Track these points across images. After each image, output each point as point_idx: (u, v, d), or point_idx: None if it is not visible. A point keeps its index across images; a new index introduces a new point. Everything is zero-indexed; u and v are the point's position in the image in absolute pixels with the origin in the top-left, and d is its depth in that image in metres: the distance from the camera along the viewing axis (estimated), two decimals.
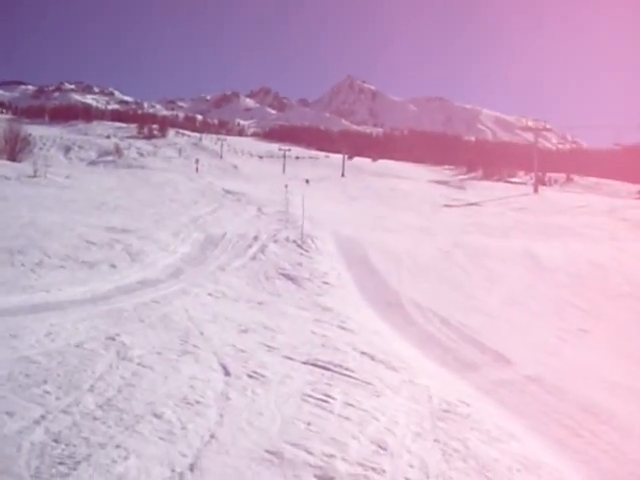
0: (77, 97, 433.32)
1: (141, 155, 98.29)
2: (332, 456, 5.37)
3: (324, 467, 5.16)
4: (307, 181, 62.21)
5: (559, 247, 23.18)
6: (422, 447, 5.86)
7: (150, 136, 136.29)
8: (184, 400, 6.42)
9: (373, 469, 5.24)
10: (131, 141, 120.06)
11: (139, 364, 7.56)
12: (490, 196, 53.33)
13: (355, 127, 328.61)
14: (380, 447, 5.71)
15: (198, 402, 6.42)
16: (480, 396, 8.30)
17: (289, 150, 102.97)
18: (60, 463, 4.84)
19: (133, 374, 7.16)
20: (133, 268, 16.32)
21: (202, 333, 9.65)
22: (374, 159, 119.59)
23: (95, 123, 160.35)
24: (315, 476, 5.02)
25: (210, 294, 13.75)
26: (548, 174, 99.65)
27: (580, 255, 21.12)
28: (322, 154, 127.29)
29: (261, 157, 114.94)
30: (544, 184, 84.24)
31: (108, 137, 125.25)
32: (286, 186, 46.52)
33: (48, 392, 6.36)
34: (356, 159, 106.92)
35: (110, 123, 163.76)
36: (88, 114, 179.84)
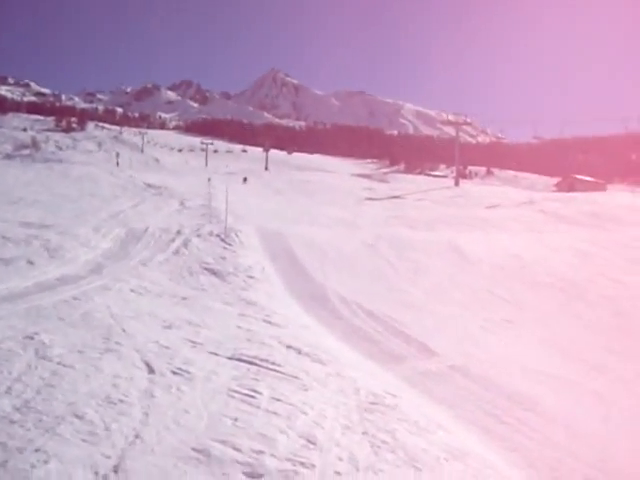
0: None
1: (59, 149, 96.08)
2: (261, 452, 5.30)
3: (253, 464, 5.09)
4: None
5: (481, 239, 23.62)
6: (351, 440, 5.84)
7: (69, 129, 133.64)
8: (107, 399, 6.25)
9: (302, 464, 5.18)
10: (49, 134, 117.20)
11: (59, 363, 7.33)
12: (412, 189, 54.06)
13: (278, 121, 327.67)
14: (309, 441, 5.66)
15: (121, 401, 6.25)
16: (407, 387, 8.35)
17: (211, 144, 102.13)
18: None
19: (53, 374, 6.93)
20: (52, 264, 15.91)
21: (124, 330, 9.43)
22: (289, 152, 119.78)
23: (10, 115, 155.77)
24: (244, 473, 4.94)
25: (132, 290, 13.48)
26: (469, 167, 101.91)
27: (501, 247, 21.54)
28: (244, 147, 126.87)
29: (180, 150, 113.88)
30: (465, 177, 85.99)
31: (25, 130, 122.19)
32: (209, 179, 46.04)
33: None
34: (272, 152, 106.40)
35: (26, 115, 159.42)
36: (2, 106, 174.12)
